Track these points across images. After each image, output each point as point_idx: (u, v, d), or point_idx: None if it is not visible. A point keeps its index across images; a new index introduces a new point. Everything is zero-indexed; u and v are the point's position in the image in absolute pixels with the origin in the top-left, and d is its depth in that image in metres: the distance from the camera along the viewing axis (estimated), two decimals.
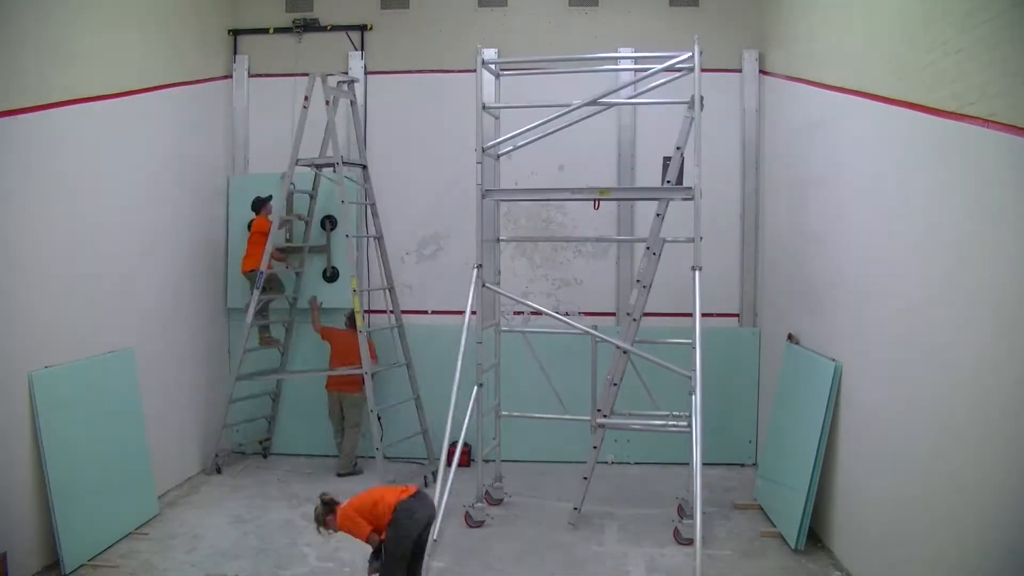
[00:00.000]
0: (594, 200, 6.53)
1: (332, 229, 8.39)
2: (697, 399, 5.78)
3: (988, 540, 3.90)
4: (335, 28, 8.52)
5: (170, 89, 7.40)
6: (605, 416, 6.56)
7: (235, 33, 8.68)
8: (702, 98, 6.15)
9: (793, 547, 5.98)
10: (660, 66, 6.42)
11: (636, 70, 7.51)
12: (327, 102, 7.63)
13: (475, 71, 6.57)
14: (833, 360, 5.91)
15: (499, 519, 6.73)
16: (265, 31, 8.67)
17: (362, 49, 8.53)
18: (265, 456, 8.61)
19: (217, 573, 5.67)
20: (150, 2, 7.15)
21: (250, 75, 8.70)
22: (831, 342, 6.11)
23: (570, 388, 7.15)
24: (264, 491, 7.43)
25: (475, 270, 6.58)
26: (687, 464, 7.44)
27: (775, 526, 6.45)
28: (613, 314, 8.38)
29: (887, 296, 5.10)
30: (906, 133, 4.85)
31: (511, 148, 7.19)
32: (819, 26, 6.54)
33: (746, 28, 8.21)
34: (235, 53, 8.69)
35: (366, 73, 8.51)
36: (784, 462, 6.52)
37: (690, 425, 5.87)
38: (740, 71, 8.17)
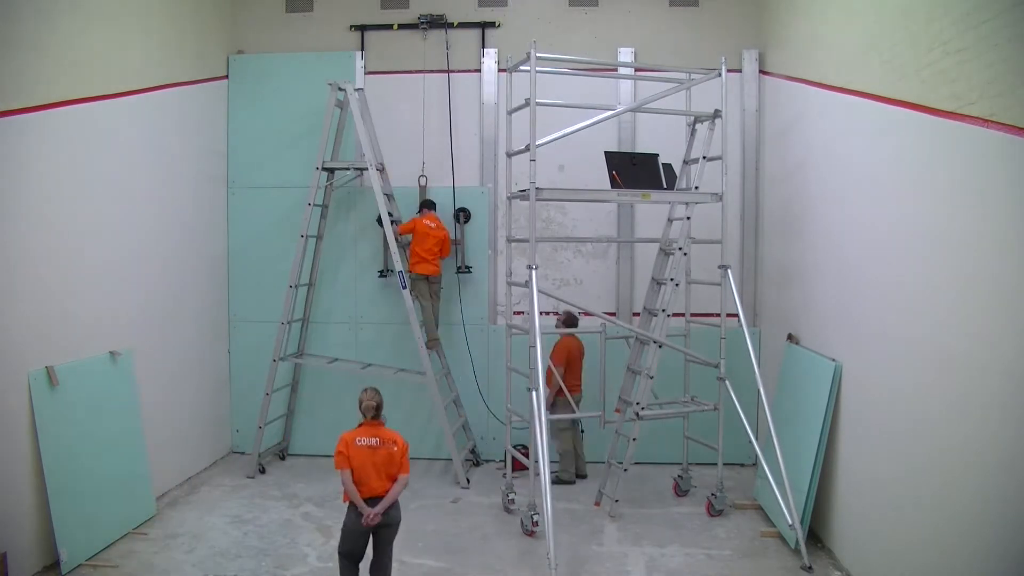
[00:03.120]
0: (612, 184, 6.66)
1: (466, 222, 8.30)
2: (728, 386, 6.79)
3: (989, 541, 3.90)
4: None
5: (170, 89, 7.39)
6: (642, 408, 6.66)
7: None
8: (717, 111, 6.79)
9: (793, 547, 5.98)
10: (692, 83, 6.98)
11: (664, 80, 7.35)
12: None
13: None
14: (833, 360, 5.91)
15: (500, 519, 6.73)
16: None
17: (362, 49, 8.52)
18: (283, 458, 8.51)
19: (217, 573, 5.68)
20: (150, 3, 7.15)
21: None
22: (831, 342, 6.11)
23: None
24: (264, 491, 7.43)
25: (532, 271, 6.24)
26: (687, 464, 7.49)
27: (775, 526, 6.44)
28: (613, 314, 8.36)
29: (887, 296, 5.10)
30: (906, 133, 4.85)
31: (520, 148, 7.20)
32: (819, 26, 6.53)
33: (746, 28, 8.21)
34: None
35: (365, 73, 8.50)
36: (784, 462, 6.49)
37: (715, 409, 6.89)
38: (740, 71, 8.15)
